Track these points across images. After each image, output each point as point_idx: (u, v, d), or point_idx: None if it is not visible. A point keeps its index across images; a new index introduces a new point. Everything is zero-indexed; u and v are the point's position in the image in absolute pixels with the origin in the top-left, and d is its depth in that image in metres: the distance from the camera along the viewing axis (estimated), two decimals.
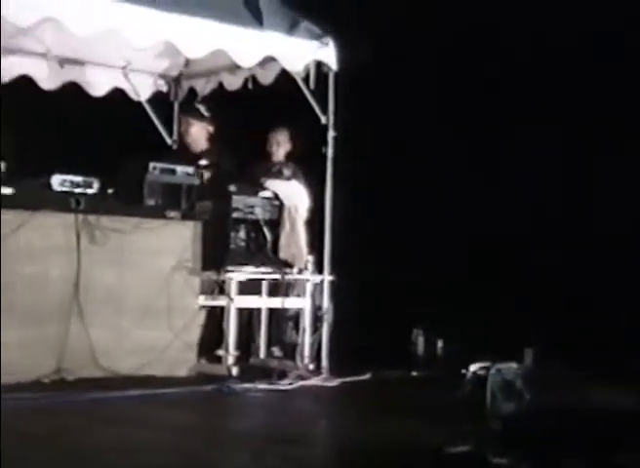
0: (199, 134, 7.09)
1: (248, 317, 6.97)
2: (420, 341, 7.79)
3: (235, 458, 4.14)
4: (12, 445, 4.13)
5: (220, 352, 6.45)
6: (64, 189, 6.07)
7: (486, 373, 4.33)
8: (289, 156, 7.21)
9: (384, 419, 5.05)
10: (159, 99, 7.94)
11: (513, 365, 4.45)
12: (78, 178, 6.12)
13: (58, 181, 6.06)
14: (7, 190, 5.84)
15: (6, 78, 7.05)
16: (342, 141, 6.78)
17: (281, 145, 7.18)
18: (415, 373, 6.71)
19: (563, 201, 7.29)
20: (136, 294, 6.26)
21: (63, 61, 7.29)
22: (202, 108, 7.17)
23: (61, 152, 6.87)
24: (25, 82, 7.14)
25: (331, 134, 6.75)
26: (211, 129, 7.12)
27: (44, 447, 4.19)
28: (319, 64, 6.69)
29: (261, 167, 7.18)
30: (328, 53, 6.66)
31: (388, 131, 7.63)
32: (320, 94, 6.80)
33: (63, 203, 6.02)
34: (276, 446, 4.32)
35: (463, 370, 5.36)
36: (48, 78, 7.29)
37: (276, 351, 7.04)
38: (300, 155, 7.12)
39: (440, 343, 7.74)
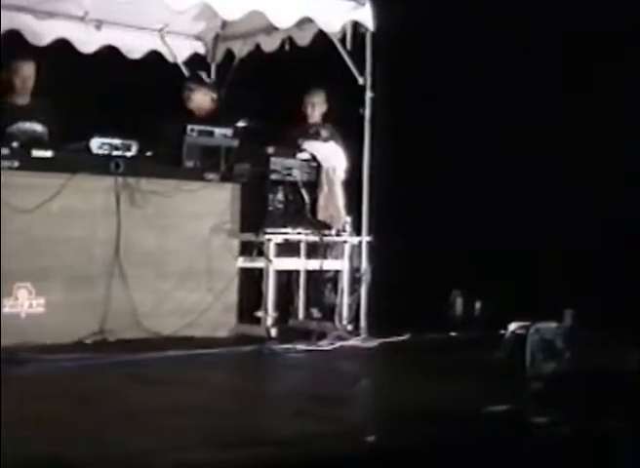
0: (202, 100, 7.02)
1: (287, 278, 7.00)
2: (459, 302, 7.77)
3: (275, 418, 4.17)
4: (53, 404, 4.20)
5: (260, 313, 6.49)
6: (103, 152, 6.10)
7: (525, 333, 4.33)
8: (325, 117, 7.19)
9: (423, 379, 5.07)
10: (196, 62, 7.93)
11: (553, 324, 4.44)
12: (117, 141, 6.14)
13: (97, 144, 6.09)
14: (47, 153, 5.89)
15: (44, 41, 7.08)
16: (380, 102, 6.74)
17: (316, 107, 7.16)
18: (453, 334, 6.71)
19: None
20: (175, 256, 6.30)
21: (101, 24, 7.30)
22: (204, 75, 7.12)
23: (100, 115, 6.88)
24: (63, 45, 7.15)
25: (368, 94, 6.72)
26: (214, 95, 7.06)
27: (85, 406, 4.24)
28: (356, 25, 6.65)
29: (299, 129, 7.16)
30: (364, 13, 6.61)
31: (426, 90, 7.56)
32: (357, 54, 6.76)
33: (103, 166, 6.06)
34: (316, 405, 4.35)
35: (502, 331, 5.38)
36: (85, 41, 7.31)
37: (315, 312, 7.07)
38: (337, 116, 7.09)
39: (478, 304, 7.72)
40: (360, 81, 6.74)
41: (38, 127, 6.40)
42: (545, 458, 3.54)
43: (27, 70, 6.46)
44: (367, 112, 6.70)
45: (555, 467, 3.50)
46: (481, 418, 4.02)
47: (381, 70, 6.75)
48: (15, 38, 6.92)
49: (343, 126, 7.04)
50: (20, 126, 6.30)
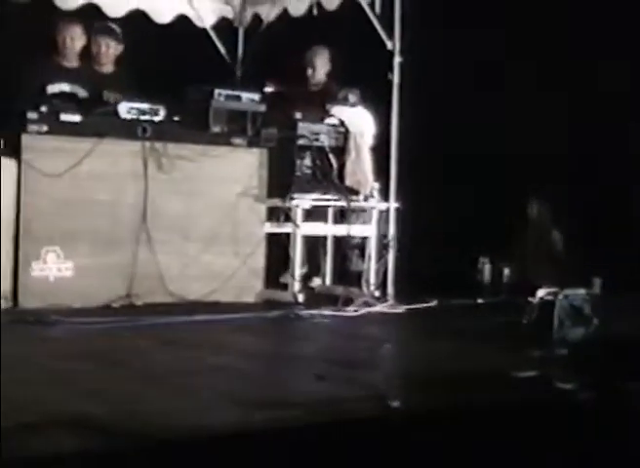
0: (112, 55, 6.77)
1: (314, 244, 6.99)
2: (487, 269, 7.74)
3: (300, 382, 4.18)
4: (81, 366, 4.24)
5: (286, 279, 6.49)
6: (131, 117, 6.10)
7: (553, 299, 4.30)
8: (350, 81, 7.11)
9: (450, 345, 5.05)
10: (224, 26, 7.89)
11: (581, 291, 4.41)
12: (145, 106, 6.14)
13: (124, 109, 6.09)
14: (75, 117, 5.90)
15: (74, 6, 7.06)
16: (409, 67, 6.68)
17: (318, 68, 7.13)
18: (481, 301, 6.68)
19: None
20: (202, 221, 6.30)
21: None
22: (117, 29, 6.82)
23: (129, 80, 6.85)
24: (91, 9, 7.13)
25: (397, 59, 6.66)
26: (120, 49, 6.81)
27: (112, 368, 4.27)
28: None
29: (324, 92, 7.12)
30: None
31: (456, 55, 7.48)
32: (386, 18, 6.69)
33: (130, 130, 6.06)
34: (340, 370, 4.35)
35: (530, 298, 5.33)
36: (115, 6, 7.27)
37: (342, 278, 7.03)
38: (366, 81, 7.03)
39: (507, 271, 7.69)
40: (389, 46, 6.67)
41: (81, 91, 6.39)
42: (571, 423, 3.53)
43: (77, 36, 6.48)
44: (395, 77, 6.64)
45: (580, 431, 3.49)
46: (508, 384, 4.00)
47: (410, 35, 6.68)
48: (45, 4, 6.91)
49: (372, 91, 6.98)
50: (63, 87, 6.30)
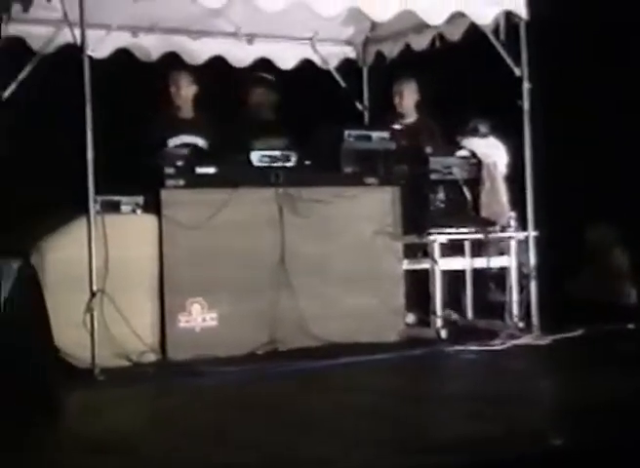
0: (261, 98, 7.04)
1: (452, 278, 6.90)
2: (633, 293, 7.51)
3: (453, 421, 4.11)
4: (230, 414, 4.27)
5: (409, 319, 6.49)
6: (264, 164, 6.17)
7: None
8: (483, 111, 7.03)
9: (604, 376, 4.89)
10: (347, 67, 7.92)
11: None
12: (276, 153, 6.20)
13: (257, 157, 6.17)
14: (210, 170, 6.01)
15: (200, 60, 7.23)
16: (538, 93, 6.56)
17: (405, 96, 7.14)
18: (631, 326, 6.45)
19: None
20: (340, 262, 6.30)
21: (253, 38, 7.39)
22: (271, 77, 7.12)
23: (255, 128, 6.96)
24: (219, 62, 7.28)
25: (525, 85, 6.55)
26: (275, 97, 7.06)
27: (262, 415, 4.29)
28: (509, 15, 6.49)
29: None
30: (517, 2, 6.43)
31: (585, 79, 7.32)
32: (509, 45, 6.60)
33: (264, 178, 6.13)
34: (496, 407, 4.26)
35: None
36: (239, 56, 7.40)
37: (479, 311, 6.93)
38: (495, 110, 6.94)
39: None
40: (516, 72, 6.57)
41: (200, 141, 6.55)
42: None
43: (187, 84, 6.65)
44: (525, 104, 6.53)
45: None
46: None
47: (537, 60, 6.57)
48: (172, 59, 7.10)
49: (502, 118, 6.88)
50: (184, 138, 6.48)
